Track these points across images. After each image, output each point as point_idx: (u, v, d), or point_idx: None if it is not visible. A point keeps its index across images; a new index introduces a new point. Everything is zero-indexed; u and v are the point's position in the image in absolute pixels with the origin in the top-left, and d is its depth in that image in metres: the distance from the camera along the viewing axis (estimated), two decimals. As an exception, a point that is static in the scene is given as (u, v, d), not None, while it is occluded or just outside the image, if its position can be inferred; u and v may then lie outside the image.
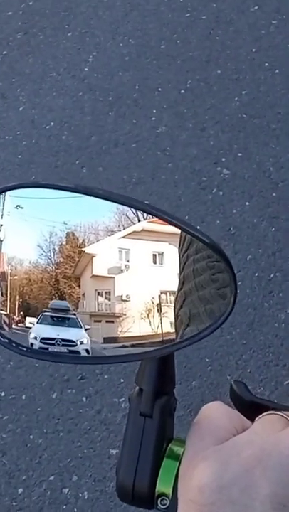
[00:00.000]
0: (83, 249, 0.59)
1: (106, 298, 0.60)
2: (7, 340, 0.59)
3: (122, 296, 0.60)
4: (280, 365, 2.23)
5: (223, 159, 2.90)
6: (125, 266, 0.59)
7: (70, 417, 2.21)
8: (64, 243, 0.58)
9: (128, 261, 0.59)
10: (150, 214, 0.55)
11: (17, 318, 0.61)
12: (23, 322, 0.61)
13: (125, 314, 0.60)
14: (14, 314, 0.61)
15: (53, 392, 2.28)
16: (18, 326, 0.61)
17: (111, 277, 0.60)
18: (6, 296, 0.61)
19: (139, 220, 0.57)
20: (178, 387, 2.24)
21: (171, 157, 2.96)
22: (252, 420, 0.52)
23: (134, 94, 3.28)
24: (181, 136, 3.04)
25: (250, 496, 0.46)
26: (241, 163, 2.87)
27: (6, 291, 0.61)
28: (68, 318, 0.62)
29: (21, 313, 0.61)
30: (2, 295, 0.61)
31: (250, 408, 0.55)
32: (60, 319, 0.61)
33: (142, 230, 0.58)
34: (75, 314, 0.61)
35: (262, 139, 2.94)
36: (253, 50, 3.34)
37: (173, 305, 0.59)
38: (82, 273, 0.60)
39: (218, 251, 0.53)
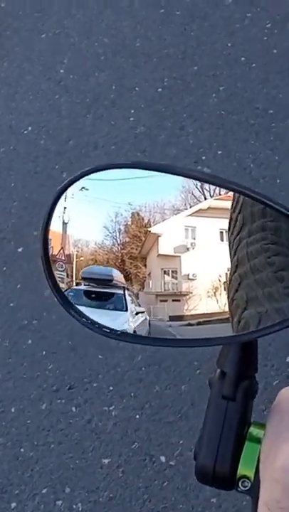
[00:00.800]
0: (149, 228, 0.59)
1: (172, 277, 0.60)
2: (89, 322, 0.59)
3: (188, 274, 0.60)
4: (268, 366, 2.22)
5: (204, 158, 2.88)
6: (191, 244, 0.59)
7: (61, 428, 2.20)
8: (130, 223, 0.58)
9: (194, 239, 0.59)
10: (223, 187, 0.54)
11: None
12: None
13: (192, 293, 0.60)
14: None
15: (42, 403, 2.27)
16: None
17: (177, 256, 0.59)
18: (72, 278, 0.61)
19: (205, 198, 0.57)
20: (168, 392, 2.24)
21: (151, 158, 2.94)
22: None
23: (111, 94, 3.25)
24: (160, 135, 3.02)
25: None
26: (221, 161, 2.85)
27: (72, 272, 0.61)
28: (111, 295, 0.63)
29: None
30: (68, 276, 0.61)
31: None
32: (99, 296, 0.63)
33: (209, 208, 0.58)
34: (124, 289, 0.61)
35: (241, 135, 2.93)
36: (229, 44, 3.31)
37: (227, 289, 0.59)
38: (148, 253, 0.60)
39: None
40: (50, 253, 0.60)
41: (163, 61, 3.34)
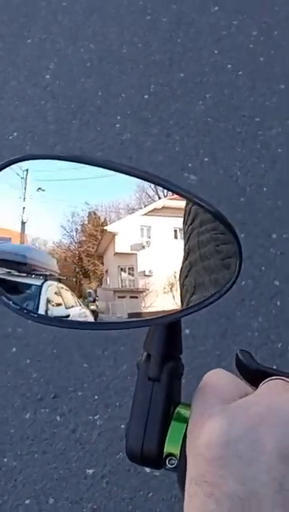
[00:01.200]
0: (105, 227, 0.60)
1: (129, 274, 0.62)
2: (18, 307, 0.59)
3: (144, 271, 0.61)
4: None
5: (190, 165, 2.88)
6: (147, 242, 0.61)
7: (45, 438, 2.17)
8: (86, 222, 0.60)
9: (150, 237, 0.60)
10: (155, 183, 0.56)
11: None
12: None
13: (148, 289, 0.61)
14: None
15: (26, 412, 2.24)
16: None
17: (133, 254, 0.61)
18: None
19: (159, 198, 0.59)
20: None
21: (137, 165, 2.91)
22: (257, 387, 0.55)
23: (97, 100, 3.24)
24: (146, 142, 3.00)
25: (256, 450, 0.48)
26: (208, 169, 2.85)
27: None
28: (28, 286, 0.63)
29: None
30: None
31: (256, 376, 0.58)
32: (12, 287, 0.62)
33: (163, 207, 0.60)
34: (45, 277, 0.62)
35: (228, 142, 2.92)
36: (216, 51, 3.31)
37: (178, 276, 0.61)
38: (105, 251, 0.61)
39: (221, 219, 0.55)
40: None
41: (149, 68, 3.33)
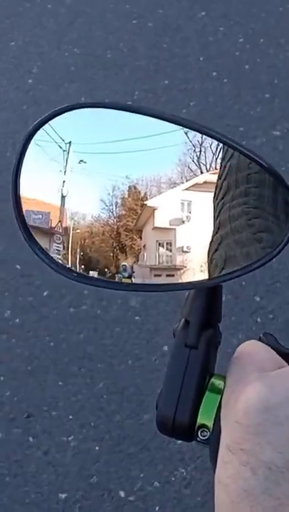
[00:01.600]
0: (145, 202, 0.60)
1: (167, 249, 0.61)
2: (56, 264, 0.59)
3: (182, 247, 0.60)
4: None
5: (173, 175, 2.81)
6: (187, 217, 0.60)
7: (16, 459, 2.11)
8: (126, 196, 0.59)
9: (190, 212, 0.59)
10: (209, 136, 0.55)
11: (80, 271, 0.62)
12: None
13: (186, 266, 0.60)
14: (76, 267, 0.62)
15: (-2, 432, 2.17)
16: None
17: (172, 229, 0.60)
18: (68, 250, 0.62)
19: (201, 172, 0.58)
20: (129, 422, 2.16)
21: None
22: None
23: (80, 106, 3.16)
24: (128, 151, 2.94)
25: None
26: (191, 179, 2.78)
27: (68, 244, 0.62)
28: None
29: (83, 266, 0.62)
30: (64, 248, 0.62)
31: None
32: None
33: (205, 182, 0.59)
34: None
35: (211, 152, 2.86)
36: (201, 58, 3.25)
37: (208, 250, 0.60)
38: (143, 225, 0.61)
39: (275, 175, 0.54)
40: (49, 225, 0.61)
41: (134, 73, 3.26)
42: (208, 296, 0.60)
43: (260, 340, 0.61)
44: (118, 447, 2.09)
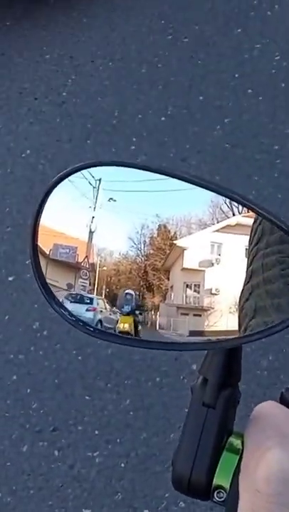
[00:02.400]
0: (174, 241, 0.59)
1: (195, 291, 0.60)
2: (74, 319, 0.58)
3: (211, 289, 0.59)
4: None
5: (205, 191, 2.79)
6: (216, 259, 0.58)
7: (41, 473, 2.09)
8: (155, 235, 0.58)
9: (220, 255, 0.58)
10: (227, 197, 0.55)
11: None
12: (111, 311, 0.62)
13: (213, 308, 0.59)
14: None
15: (24, 444, 2.16)
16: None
17: (201, 270, 0.59)
18: (94, 286, 0.61)
19: (233, 214, 0.57)
20: (155, 440, 2.14)
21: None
22: None
23: (113, 120, 3.17)
24: (161, 165, 2.93)
25: None
26: (223, 196, 2.76)
27: (94, 281, 0.61)
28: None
29: (107, 302, 0.62)
30: (90, 285, 0.61)
31: None
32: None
33: (237, 224, 0.58)
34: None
35: (245, 170, 2.84)
36: (236, 75, 3.24)
37: (238, 298, 0.58)
38: (172, 265, 0.60)
39: None
40: (76, 260, 0.61)
41: (168, 89, 3.26)
42: (228, 354, 0.59)
43: (281, 395, 0.59)
44: (144, 465, 2.07)
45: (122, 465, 2.07)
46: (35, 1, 3.83)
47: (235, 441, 0.56)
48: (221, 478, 0.55)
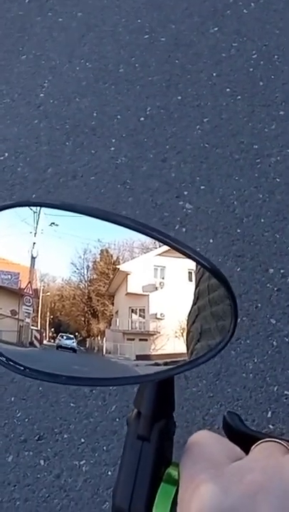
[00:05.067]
0: (118, 266, 0.58)
1: (140, 315, 0.59)
2: (4, 359, 0.57)
3: (156, 314, 0.59)
4: (249, 420, 2.11)
5: (186, 192, 2.78)
6: (160, 283, 0.58)
7: (27, 484, 2.07)
8: (98, 260, 0.58)
9: (163, 278, 0.58)
10: (154, 239, 0.54)
11: (50, 334, 0.61)
12: (54, 338, 0.61)
13: (159, 332, 0.59)
14: (45, 330, 0.61)
15: (9, 454, 2.13)
16: (50, 341, 0.61)
17: (145, 295, 0.59)
18: (37, 313, 0.61)
19: None
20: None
21: (132, 190, 2.83)
22: (245, 451, 0.52)
23: (92, 122, 3.14)
24: (141, 167, 2.91)
25: None
26: (204, 197, 2.75)
27: (38, 307, 0.61)
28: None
29: (52, 329, 0.61)
30: (34, 311, 0.61)
31: (244, 440, 0.55)
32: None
33: None
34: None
35: (225, 170, 2.83)
36: (214, 74, 3.23)
37: (183, 322, 0.58)
38: (116, 290, 0.59)
39: (218, 276, 0.52)
40: (18, 286, 0.60)
41: (146, 89, 3.24)
42: (159, 386, 0.59)
43: (223, 419, 0.59)
44: (131, 472, 2.05)
45: (109, 473, 2.06)
46: (10, 1, 3.78)
47: (173, 472, 0.56)
48: (160, 510, 0.55)
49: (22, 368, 0.58)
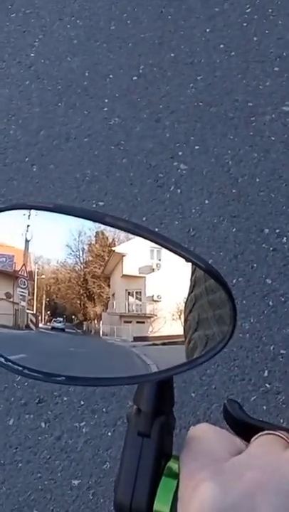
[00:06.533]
0: (113, 248, 0.57)
1: (137, 298, 0.59)
2: (3, 359, 0.58)
3: (153, 296, 0.58)
4: (245, 380, 2.14)
5: (180, 153, 2.76)
6: (157, 265, 0.57)
7: (29, 446, 2.10)
8: (93, 242, 0.57)
9: (160, 260, 0.57)
10: (147, 239, 0.53)
11: (46, 318, 0.61)
12: (51, 321, 0.61)
13: (156, 315, 0.58)
14: (41, 314, 0.61)
15: (10, 418, 2.17)
16: (45, 325, 0.61)
17: (142, 277, 0.58)
18: (33, 296, 0.60)
19: None
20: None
21: (126, 152, 2.81)
22: (246, 439, 0.52)
23: (84, 82, 3.10)
24: (135, 128, 2.88)
25: None
26: (199, 157, 2.73)
27: (33, 290, 0.60)
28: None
29: (48, 312, 0.61)
30: (29, 294, 0.60)
31: (244, 428, 0.56)
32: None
33: None
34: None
35: (219, 129, 2.81)
36: (207, 29, 3.17)
37: (181, 305, 0.58)
38: (112, 272, 0.59)
39: (215, 276, 0.52)
40: (13, 268, 0.59)
41: (139, 46, 3.19)
42: (159, 382, 0.59)
43: (224, 407, 0.59)
44: (131, 433, 2.09)
45: (109, 434, 2.09)
46: None
47: (174, 466, 0.57)
48: (161, 504, 0.55)
49: (20, 368, 0.58)
